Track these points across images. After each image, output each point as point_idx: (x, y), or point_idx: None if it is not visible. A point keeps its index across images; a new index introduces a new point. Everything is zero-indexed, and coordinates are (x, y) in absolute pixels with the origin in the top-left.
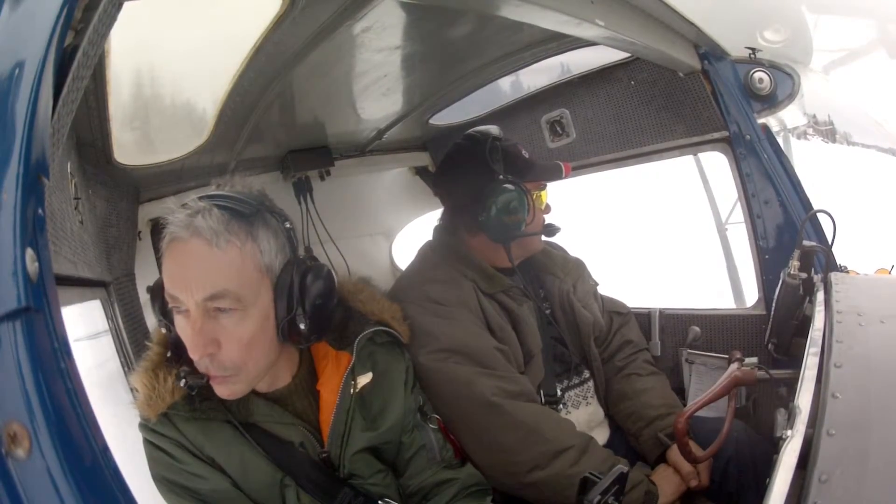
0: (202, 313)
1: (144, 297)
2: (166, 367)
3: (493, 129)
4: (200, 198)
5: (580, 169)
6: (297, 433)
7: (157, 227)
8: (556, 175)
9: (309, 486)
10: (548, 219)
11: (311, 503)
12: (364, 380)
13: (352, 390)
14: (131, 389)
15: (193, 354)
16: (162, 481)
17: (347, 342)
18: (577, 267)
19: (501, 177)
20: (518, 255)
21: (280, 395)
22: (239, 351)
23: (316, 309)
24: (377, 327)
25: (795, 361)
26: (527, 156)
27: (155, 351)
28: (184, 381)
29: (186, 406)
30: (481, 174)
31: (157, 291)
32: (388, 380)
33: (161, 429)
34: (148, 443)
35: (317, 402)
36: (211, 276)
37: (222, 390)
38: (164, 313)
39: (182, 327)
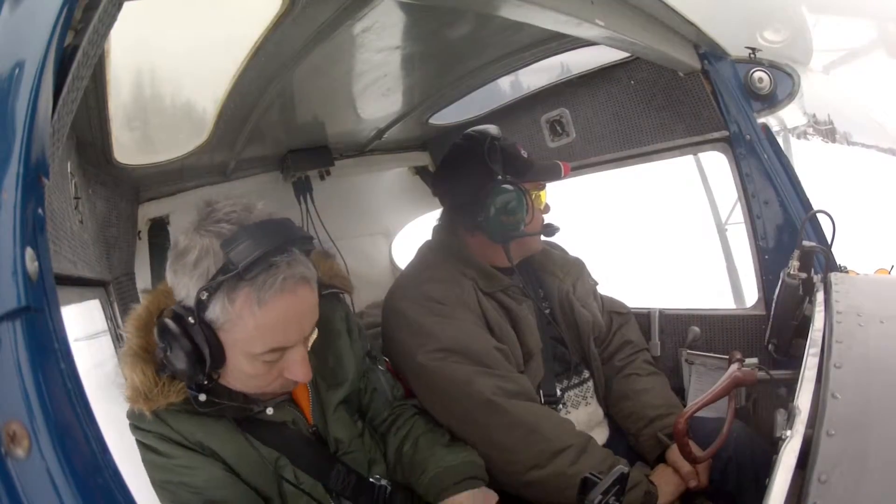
0: (306, 343)
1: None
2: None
3: (492, 128)
4: (284, 244)
5: (580, 169)
6: (286, 412)
7: (157, 227)
8: (556, 175)
9: (303, 463)
10: (547, 219)
11: (309, 482)
12: (311, 337)
13: None
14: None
15: (303, 378)
16: (160, 485)
17: None
18: (577, 267)
19: (500, 177)
20: (517, 255)
21: None
22: (310, 370)
23: None
24: (323, 290)
25: (795, 362)
26: (525, 155)
27: (139, 343)
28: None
29: (185, 406)
30: (480, 174)
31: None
32: (331, 328)
33: (147, 425)
34: (140, 444)
35: None
36: (316, 311)
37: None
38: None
39: (258, 366)
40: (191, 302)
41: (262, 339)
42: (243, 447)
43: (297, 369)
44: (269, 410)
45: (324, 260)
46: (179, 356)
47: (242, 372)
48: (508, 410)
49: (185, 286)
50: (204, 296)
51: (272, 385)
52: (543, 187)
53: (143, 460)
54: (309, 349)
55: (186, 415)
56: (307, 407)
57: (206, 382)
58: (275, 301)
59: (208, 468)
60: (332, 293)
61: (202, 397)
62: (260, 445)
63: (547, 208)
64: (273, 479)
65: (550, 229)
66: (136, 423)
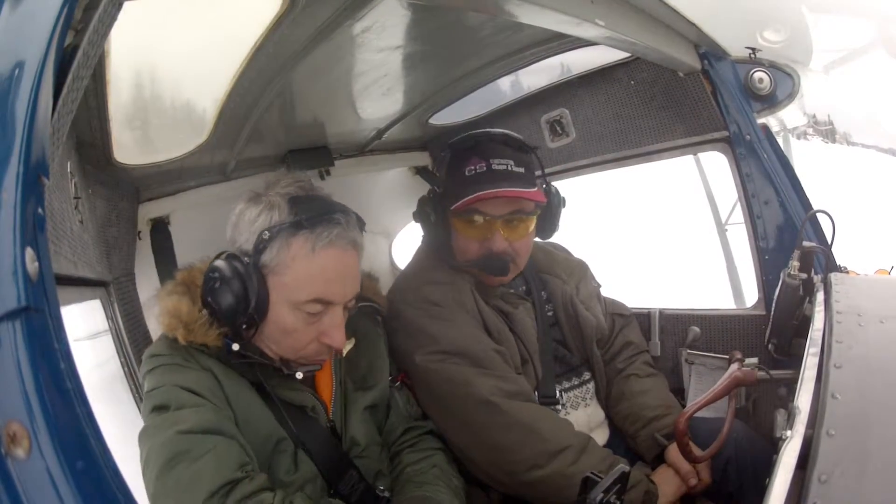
0: (344, 311)
1: (144, 297)
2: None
3: (469, 138)
4: (345, 210)
5: (580, 169)
6: (307, 398)
7: (157, 227)
8: (469, 188)
9: (316, 451)
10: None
11: (310, 471)
12: (348, 346)
13: (340, 356)
14: (161, 314)
15: (338, 344)
16: (171, 387)
17: None
18: (580, 269)
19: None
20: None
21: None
22: (345, 340)
23: None
24: (362, 303)
25: (795, 361)
26: (471, 172)
27: (182, 289)
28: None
29: (217, 354)
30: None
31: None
32: (369, 340)
33: (174, 353)
34: (152, 371)
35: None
36: (357, 281)
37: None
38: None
39: (299, 319)
40: (249, 245)
41: (309, 285)
42: (255, 412)
43: (334, 333)
44: (299, 375)
45: (368, 279)
46: (226, 294)
47: (281, 326)
48: (507, 411)
49: (245, 232)
50: (266, 235)
51: (307, 348)
52: (479, 214)
53: (150, 381)
54: (345, 353)
55: (215, 360)
56: (329, 400)
57: (244, 327)
58: (326, 251)
59: (221, 403)
60: (372, 314)
61: (235, 346)
62: (272, 420)
63: (492, 240)
64: (269, 454)
65: (488, 264)
66: (159, 353)
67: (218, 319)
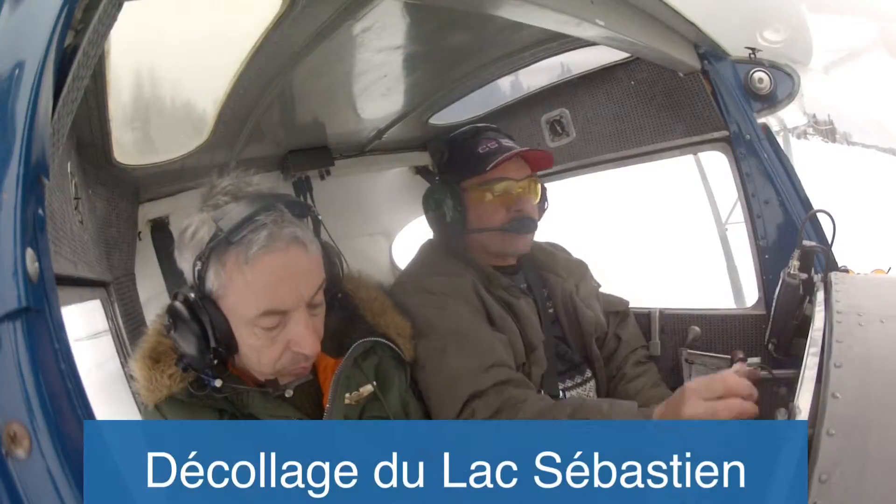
0: (309, 313)
1: (144, 297)
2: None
3: (467, 130)
4: (272, 204)
5: (580, 169)
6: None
7: (157, 227)
8: (488, 161)
9: None
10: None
11: None
12: (366, 388)
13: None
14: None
15: (309, 350)
16: None
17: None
18: (580, 268)
19: (437, 179)
20: (499, 256)
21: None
22: (319, 343)
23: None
24: (378, 337)
25: (795, 361)
26: (483, 151)
27: (148, 347)
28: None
29: (185, 394)
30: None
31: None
32: (387, 381)
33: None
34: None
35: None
36: (313, 276)
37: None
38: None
39: (261, 336)
40: (192, 278)
41: (253, 300)
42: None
43: (302, 341)
44: (289, 393)
45: (399, 317)
46: (186, 336)
47: (249, 346)
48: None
49: (187, 262)
50: (199, 266)
51: (281, 360)
52: (504, 180)
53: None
54: (363, 395)
55: (209, 413)
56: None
57: (214, 362)
58: (261, 258)
59: None
60: (395, 356)
61: (217, 383)
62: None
63: (520, 202)
64: None
65: (519, 225)
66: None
67: (192, 363)
